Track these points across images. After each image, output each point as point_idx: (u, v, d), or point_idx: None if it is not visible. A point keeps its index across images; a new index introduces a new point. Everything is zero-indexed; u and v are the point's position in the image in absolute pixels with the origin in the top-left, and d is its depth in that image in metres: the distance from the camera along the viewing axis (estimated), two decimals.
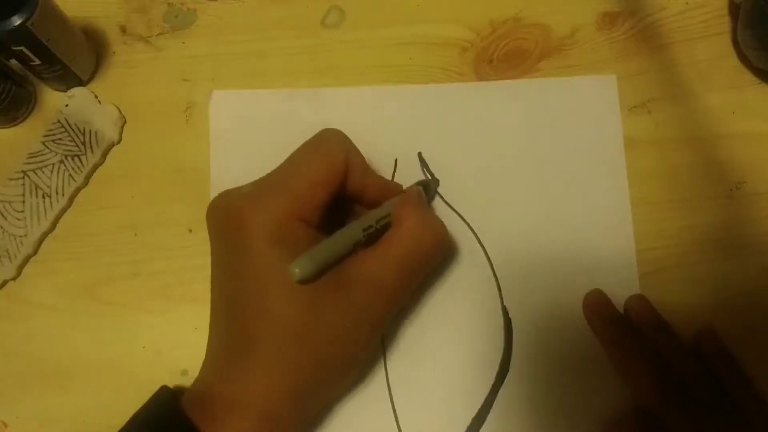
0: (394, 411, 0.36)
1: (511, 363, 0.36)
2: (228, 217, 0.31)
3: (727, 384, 0.35)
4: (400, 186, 0.37)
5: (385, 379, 0.37)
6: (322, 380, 0.31)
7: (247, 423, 0.29)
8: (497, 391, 0.36)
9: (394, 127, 0.41)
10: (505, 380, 0.36)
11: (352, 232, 0.31)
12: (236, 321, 0.30)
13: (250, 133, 0.41)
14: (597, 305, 0.37)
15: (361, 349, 0.31)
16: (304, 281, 0.29)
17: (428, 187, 0.38)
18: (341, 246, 0.31)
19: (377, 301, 0.31)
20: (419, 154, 0.40)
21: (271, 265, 0.29)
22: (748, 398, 0.35)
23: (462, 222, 0.39)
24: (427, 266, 0.33)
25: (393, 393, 0.36)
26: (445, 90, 0.41)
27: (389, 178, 0.40)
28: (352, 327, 0.30)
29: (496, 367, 0.36)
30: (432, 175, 0.39)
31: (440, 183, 0.39)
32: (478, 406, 0.36)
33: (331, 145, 0.32)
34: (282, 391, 0.29)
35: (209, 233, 0.32)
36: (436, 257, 0.34)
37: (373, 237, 0.32)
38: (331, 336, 0.30)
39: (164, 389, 0.31)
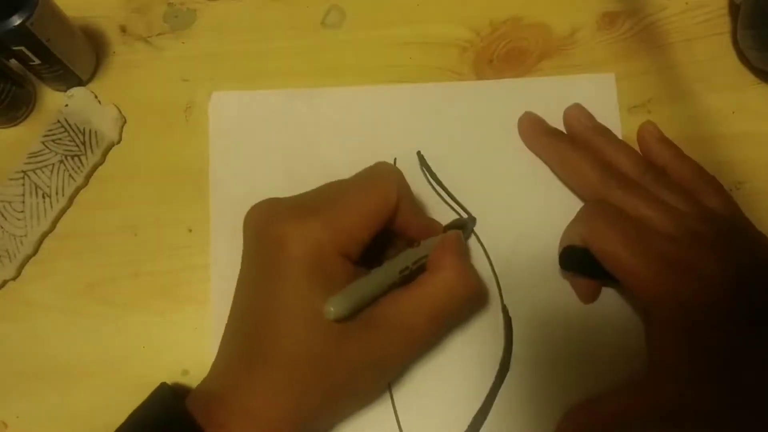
0: (395, 410, 0.36)
1: (511, 361, 0.36)
2: (269, 233, 0.30)
3: (672, 170, 0.37)
4: (440, 225, 0.36)
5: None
6: (330, 409, 0.31)
7: None
8: (498, 390, 0.36)
9: (394, 126, 0.41)
10: (506, 379, 0.36)
11: (388, 272, 0.31)
12: (256, 337, 0.30)
13: (249, 133, 0.41)
14: (532, 124, 0.39)
15: (374, 387, 0.32)
16: (339, 320, 0.29)
17: (465, 228, 0.38)
18: (377, 287, 0.31)
19: (404, 344, 0.31)
20: (418, 152, 0.40)
21: (304, 296, 0.29)
22: (696, 177, 0.36)
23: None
24: (457, 316, 0.34)
25: (393, 392, 0.36)
26: (444, 89, 0.41)
27: None
28: (372, 366, 0.30)
29: (497, 366, 0.36)
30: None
31: (439, 178, 0.39)
32: (479, 405, 0.36)
33: (386, 183, 0.32)
34: (288, 411, 0.29)
35: (244, 237, 0.32)
36: (466, 308, 0.34)
37: (408, 278, 0.32)
38: (349, 371, 0.29)
39: (164, 386, 0.31)
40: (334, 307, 0.28)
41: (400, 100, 0.41)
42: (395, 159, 0.40)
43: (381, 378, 0.32)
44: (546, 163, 0.39)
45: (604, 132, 0.39)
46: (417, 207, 0.34)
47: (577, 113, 0.39)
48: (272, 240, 0.30)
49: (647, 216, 0.33)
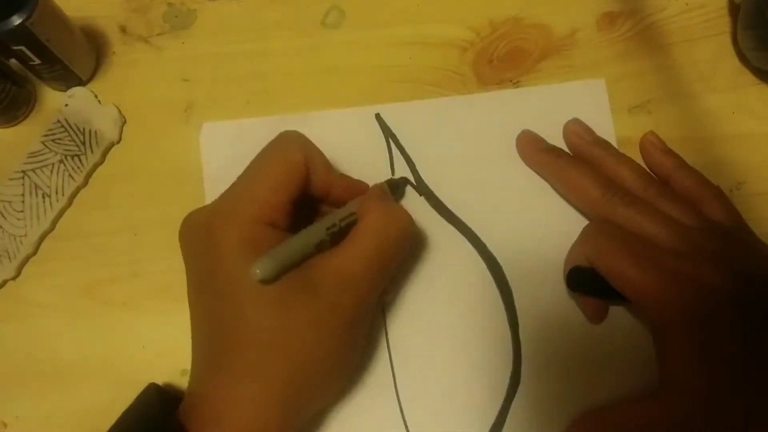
0: (407, 430, 0.36)
1: (521, 375, 0.36)
2: (197, 232, 0.31)
3: (675, 181, 0.37)
4: (366, 184, 0.37)
5: (396, 398, 0.36)
6: (304, 386, 0.30)
7: None
8: (510, 404, 0.35)
9: (386, 146, 0.40)
10: (517, 392, 0.36)
11: (314, 231, 0.31)
12: (213, 334, 0.30)
13: (242, 161, 0.38)
14: (530, 142, 0.39)
15: (334, 349, 0.31)
16: (266, 282, 0.29)
17: (397, 186, 0.38)
18: (303, 245, 0.31)
19: (345, 296, 0.30)
20: (377, 115, 0.40)
21: (240, 273, 0.29)
22: (699, 187, 0.36)
23: (467, 233, 0.39)
24: (396, 257, 0.33)
25: (405, 413, 0.36)
26: (436, 105, 0.41)
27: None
28: (323, 326, 0.30)
29: (507, 380, 0.36)
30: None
31: (438, 196, 0.39)
32: (492, 420, 0.35)
33: (288, 148, 0.33)
34: (264, 402, 0.29)
35: (183, 254, 0.33)
36: (404, 247, 0.34)
37: (339, 237, 0.32)
38: (302, 338, 0.29)
39: (152, 387, 0.32)
40: (259, 269, 0.28)
41: (394, 118, 0.41)
42: (391, 178, 0.39)
43: (338, 338, 0.31)
44: (547, 180, 0.39)
45: (605, 146, 0.38)
46: (332, 167, 0.34)
47: (575, 128, 0.39)
48: (201, 238, 0.31)
49: (652, 232, 0.33)
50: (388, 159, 0.40)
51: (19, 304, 0.39)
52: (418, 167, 0.40)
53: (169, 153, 0.41)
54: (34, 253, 0.39)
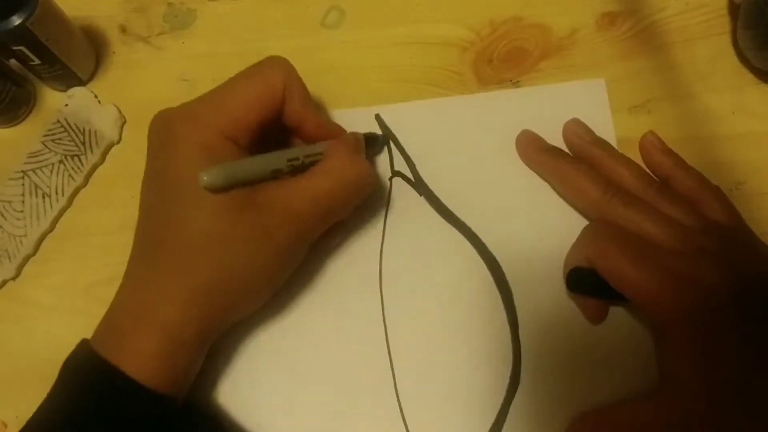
0: (407, 430, 0.35)
1: (521, 375, 0.36)
2: (159, 129, 0.32)
3: (675, 180, 0.37)
4: (342, 129, 0.37)
5: (395, 398, 0.36)
6: (225, 294, 0.31)
7: (150, 343, 0.29)
8: (510, 404, 0.35)
9: (386, 146, 0.41)
10: (516, 393, 0.36)
11: (274, 157, 0.32)
12: (149, 229, 0.31)
13: None
14: (529, 142, 0.39)
15: (262, 269, 0.31)
16: (212, 190, 0.29)
17: (375, 141, 0.39)
18: (259, 167, 0.31)
19: (285, 225, 0.31)
20: (376, 115, 0.41)
21: (190, 175, 0.30)
22: (700, 188, 0.36)
23: (467, 233, 0.39)
24: (345, 204, 0.34)
25: (404, 413, 0.36)
26: (435, 105, 0.41)
27: (385, 198, 0.39)
28: (255, 244, 0.30)
29: (507, 380, 0.36)
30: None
31: (437, 196, 0.39)
32: (492, 420, 0.35)
33: (270, 69, 0.33)
34: (186, 301, 0.30)
35: (147, 145, 0.33)
36: (356, 197, 0.34)
37: (298, 172, 0.33)
38: (232, 248, 0.30)
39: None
40: (207, 176, 0.29)
41: (393, 118, 0.41)
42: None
43: (266, 259, 0.31)
44: (546, 180, 0.39)
45: (604, 146, 0.38)
46: (310, 100, 0.34)
47: (575, 128, 0.39)
48: (163, 133, 0.32)
49: (651, 232, 0.33)
50: (387, 159, 0.40)
51: (19, 304, 0.39)
52: (417, 167, 0.40)
53: None
54: (34, 253, 0.39)
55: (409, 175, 0.40)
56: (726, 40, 0.42)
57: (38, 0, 0.36)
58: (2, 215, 0.39)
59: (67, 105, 0.41)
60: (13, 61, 0.40)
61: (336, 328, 0.37)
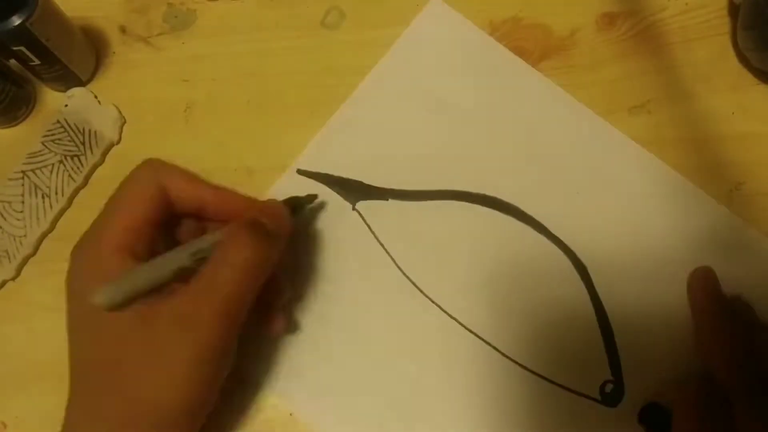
0: None
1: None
2: (69, 264, 0.31)
3: None
4: (253, 200, 0.33)
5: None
6: (142, 427, 0.28)
7: None
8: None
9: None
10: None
11: (175, 256, 0.29)
12: (70, 365, 0.30)
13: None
14: (704, 279, 0.37)
15: (177, 388, 0.27)
16: (113, 309, 0.27)
17: (301, 205, 0.36)
18: (157, 271, 0.28)
19: (185, 341, 0.27)
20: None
21: (81, 301, 0.28)
22: None
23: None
24: (245, 298, 0.29)
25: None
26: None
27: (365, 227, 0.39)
28: (159, 366, 0.27)
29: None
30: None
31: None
32: None
33: (138, 171, 0.32)
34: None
35: None
36: (257, 282, 0.30)
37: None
38: (136, 378, 0.27)
39: None
40: (101, 295, 0.27)
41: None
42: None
43: (178, 381, 0.27)
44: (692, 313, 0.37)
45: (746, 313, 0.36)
46: (204, 182, 0.32)
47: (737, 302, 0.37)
48: (68, 270, 0.30)
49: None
50: (337, 197, 0.40)
51: (19, 304, 0.39)
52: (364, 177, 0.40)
53: (168, 153, 0.41)
54: (34, 253, 0.39)
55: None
56: (726, 41, 0.42)
57: (38, 0, 0.36)
58: (2, 215, 0.39)
59: (67, 105, 0.41)
60: (13, 61, 0.40)
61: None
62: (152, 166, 0.32)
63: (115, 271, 0.28)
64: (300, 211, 0.36)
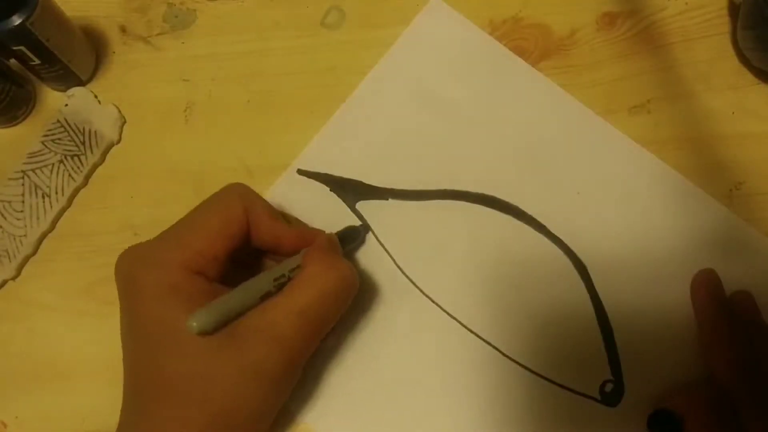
0: None
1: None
2: (125, 276, 0.30)
3: None
4: (318, 231, 0.35)
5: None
6: None
7: None
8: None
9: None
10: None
11: (259, 282, 0.30)
12: (138, 380, 0.30)
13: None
14: (707, 281, 0.37)
15: (260, 403, 0.30)
16: (204, 334, 0.28)
17: (353, 234, 0.37)
18: (246, 297, 0.30)
19: (274, 353, 0.29)
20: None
21: (161, 321, 0.28)
22: None
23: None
24: (331, 314, 0.31)
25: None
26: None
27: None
28: (247, 382, 0.29)
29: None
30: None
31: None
32: None
33: (228, 198, 0.32)
34: None
35: (118, 294, 0.32)
36: (342, 304, 0.32)
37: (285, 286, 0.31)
38: (225, 391, 0.28)
39: None
40: (196, 322, 0.28)
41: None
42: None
43: (263, 394, 0.29)
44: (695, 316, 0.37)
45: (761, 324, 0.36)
46: (279, 218, 0.33)
47: (743, 300, 0.37)
48: (128, 283, 0.30)
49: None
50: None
51: (19, 304, 0.39)
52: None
53: (169, 153, 0.41)
54: (34, 253, 0.39)
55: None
56: (726, 40, 0.42)
57: (38, 0, 0.36)
58: (2, 215, 0.39)
59: (67, 105, 0.41)
60: (13, 61, 0.40)
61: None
62: (240, 194, 0.32)
63: (192, 294, 0.29)
64: (351, 243, 0.37)
